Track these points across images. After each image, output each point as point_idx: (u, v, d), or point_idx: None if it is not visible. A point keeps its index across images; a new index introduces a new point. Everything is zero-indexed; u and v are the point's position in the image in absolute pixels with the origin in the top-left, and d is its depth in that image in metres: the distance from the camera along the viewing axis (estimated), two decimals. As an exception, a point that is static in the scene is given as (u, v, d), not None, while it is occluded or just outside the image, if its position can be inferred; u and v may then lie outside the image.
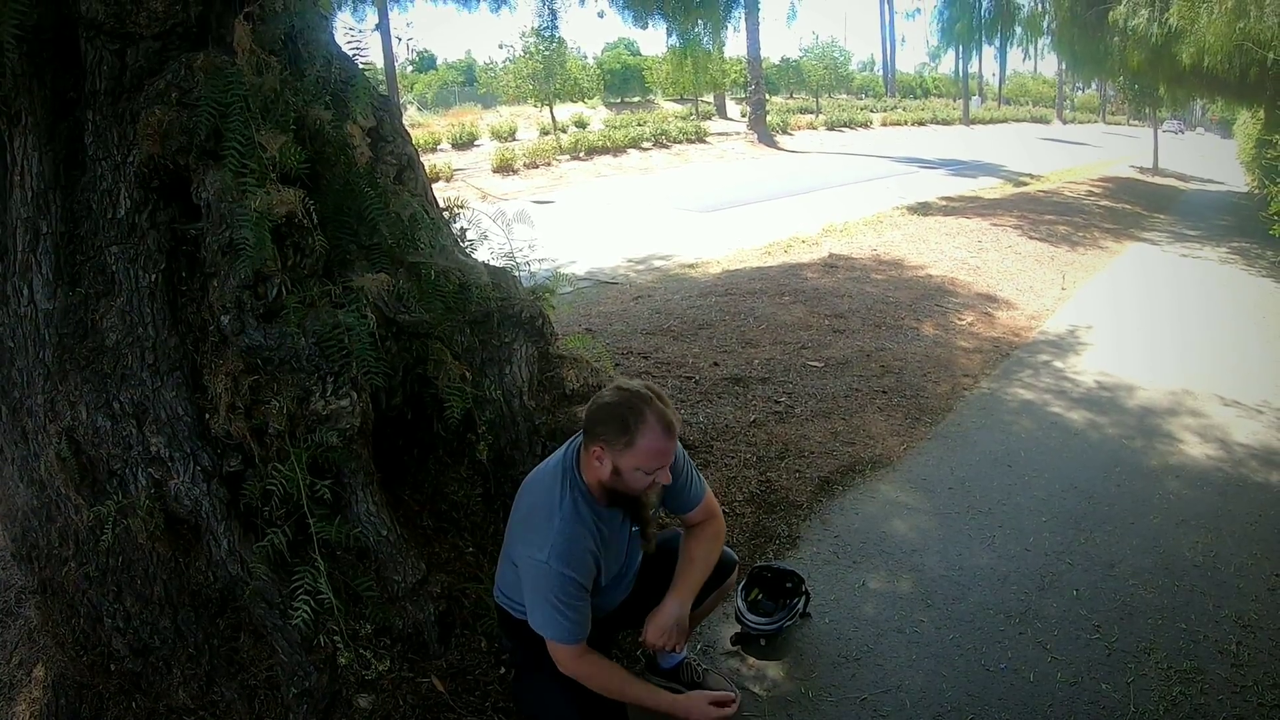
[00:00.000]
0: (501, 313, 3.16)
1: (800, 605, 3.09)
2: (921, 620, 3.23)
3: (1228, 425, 4.95)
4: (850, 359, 5.73)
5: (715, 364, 5.46)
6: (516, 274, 3.42)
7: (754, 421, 4.72)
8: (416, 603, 2.56)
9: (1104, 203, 13.07)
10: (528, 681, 2.33)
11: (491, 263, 3.41)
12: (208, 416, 2.48)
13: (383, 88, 3.33)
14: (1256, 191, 13.66)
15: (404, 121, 3.43)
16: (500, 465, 3.12)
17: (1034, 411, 5.10)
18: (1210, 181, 16.73)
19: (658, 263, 8.59)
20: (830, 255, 8.74)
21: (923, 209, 11.78)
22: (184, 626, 2.44)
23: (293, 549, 2.45)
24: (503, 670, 2.63)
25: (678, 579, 2.28)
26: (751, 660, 3.01)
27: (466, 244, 3.48)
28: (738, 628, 3.07)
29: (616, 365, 5.21)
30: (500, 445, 3.11)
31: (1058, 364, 5.89)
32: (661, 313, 6.53)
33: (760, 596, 3.16)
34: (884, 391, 5.27)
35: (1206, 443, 4.73)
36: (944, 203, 12.35)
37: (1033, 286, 7.92)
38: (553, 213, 10.47)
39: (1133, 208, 12.82)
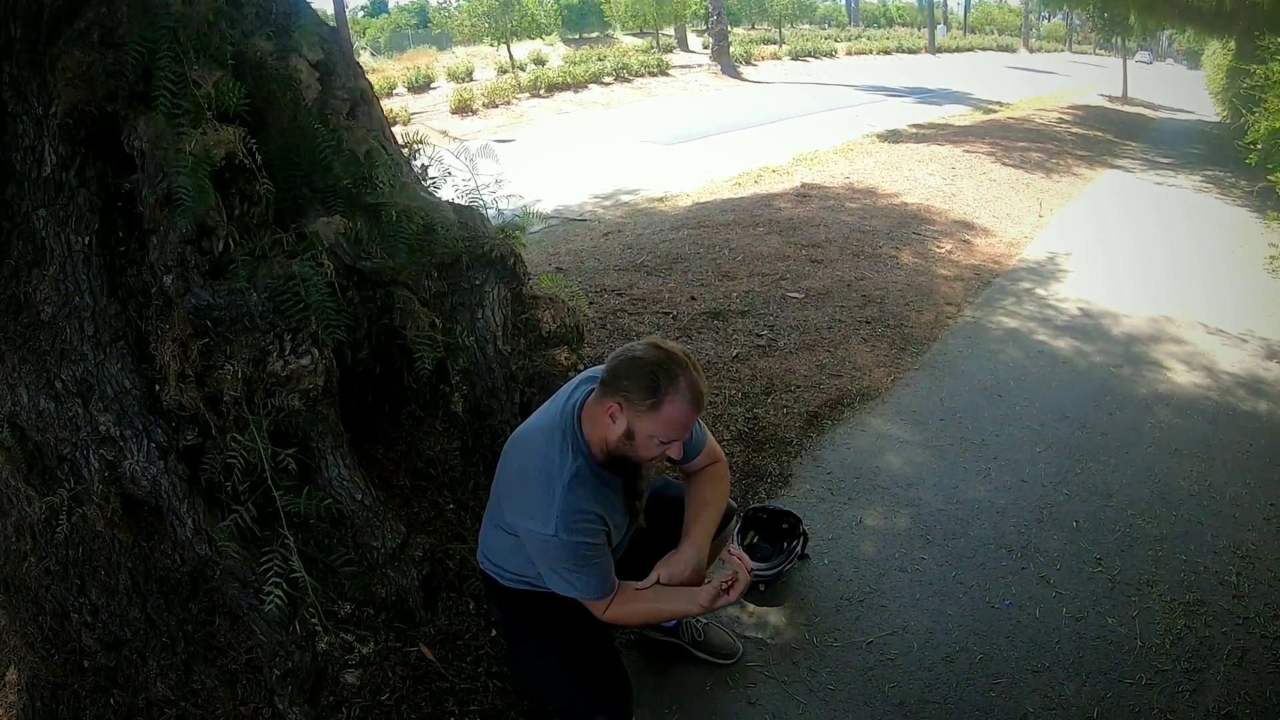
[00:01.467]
0: (470, 254, 2.92)
1: (799, 547, 2.95)
2: (922, 558, 3.11)
3: (1213, 353, 4.89)
4: (830, 289, 5.55)
5: (692, 298, 5.25)
6: (484, 212, 3.14)
7: (736, 356, 4.54)
8: (398, 568, 2.39)
9: (1076, 130, 12.92)
10: (521, 651, 2.15)
11: (456, 201, 3.13)
12: (158, 388, 2.24)
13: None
14: (1227, 122, 13.61)
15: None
16: (477, 416, 2.92)
17: (1020, 340, 4.99)
18: (1179, 111, 16.66)
19: (625, 198, 8.27)
20: (802, 185, 8.49)
21: (893, 137, 11.52)
22: (155, 615, 2.26)
23: (262, 523, 2.23)
24: (494, 633, 2.46)
25: (691, 524, 2.08)
26: (751, 608, 2.87)
27: (428, 182, 3.18)
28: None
29: (591, 303, 4.98)
30: (476, 395, 2.91)
31: (1040, 291, 5.78)
32: (633, 248, 6.27)
33: (757, 539, 3.01)
34: (867, 322, 5.12)
35: (1193, 371, 4.66)
36: (914, 130, 12.09)
37: (1010, 213, 7.78)
38: (515, 151, 10.04)
39: (1104, 135, 12.70)
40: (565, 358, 3.07)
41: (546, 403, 2.02)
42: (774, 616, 2.83)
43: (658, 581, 2.05)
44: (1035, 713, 2.55)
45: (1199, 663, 2.69)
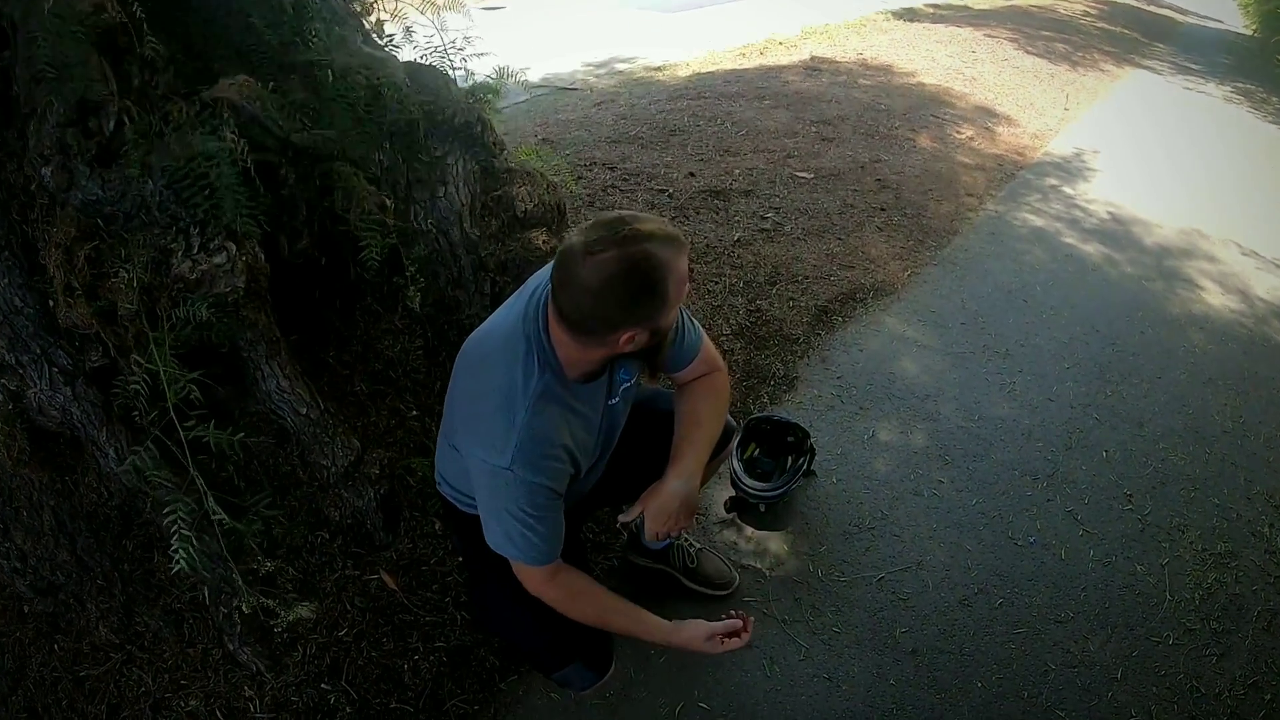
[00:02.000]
0: (429, 121, 2.38)
1: (804, 464, 2.54)
2: (940, 481, 2.75)
3: (1247, 276, 4.51)
4: (842, 171, 5.00)
5: (691, 174, 4.68)
6: (450, 73, 2.54)
7: (738, 241, 4.04)
8: (353, 488, 2.10)
9: (1100, 24, 12.01)
10: (483, 592, 1.78)
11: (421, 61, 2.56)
12: (52, 304, 1.82)
13: None
14: (1257, 35, 12.85)
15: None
16: (442, 310, 2.50)
17: (1046, 240, 4.55)
18: (1207, 18, 15.71)
19: (620, 66, 7.43)
20: (812, 58, 7.71)
21: (909, 15, 10.58)
22: (85, 556, 1.99)
23: (193, 446, 1.83)
24: (461, 558, 2.07)
25: (681, 447, 1.68)
26: (750, 531, 2.50)
27: (385, 40, 2.59)
28: (732, 491, 2.52)
29: (579, 179, 4.40)
30: (440, 286, 2.48)
31: (1067, 190, 5.29)
32: (627, 119, 5.60)
33: (758, 453, 2.61)
34: (882, 209, 4.61)
35: (1227, 293, 4.28)
36: (931, 10, 11.12)
37: (1034, 103, 7.16)
38: (503, 19, 8.97)
39: (1131, 33, 11.84)
40: (544, 241, 2.62)
41: (512, 296, 1.58)
42: (775, 544, 2.47)
43: (639, 518, 1.68)
44: (1056, 669, 2.27)
45: (1228, 624, 2.44)
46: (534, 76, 7.13)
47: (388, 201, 2.28)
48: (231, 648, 1.93)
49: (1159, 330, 3.83)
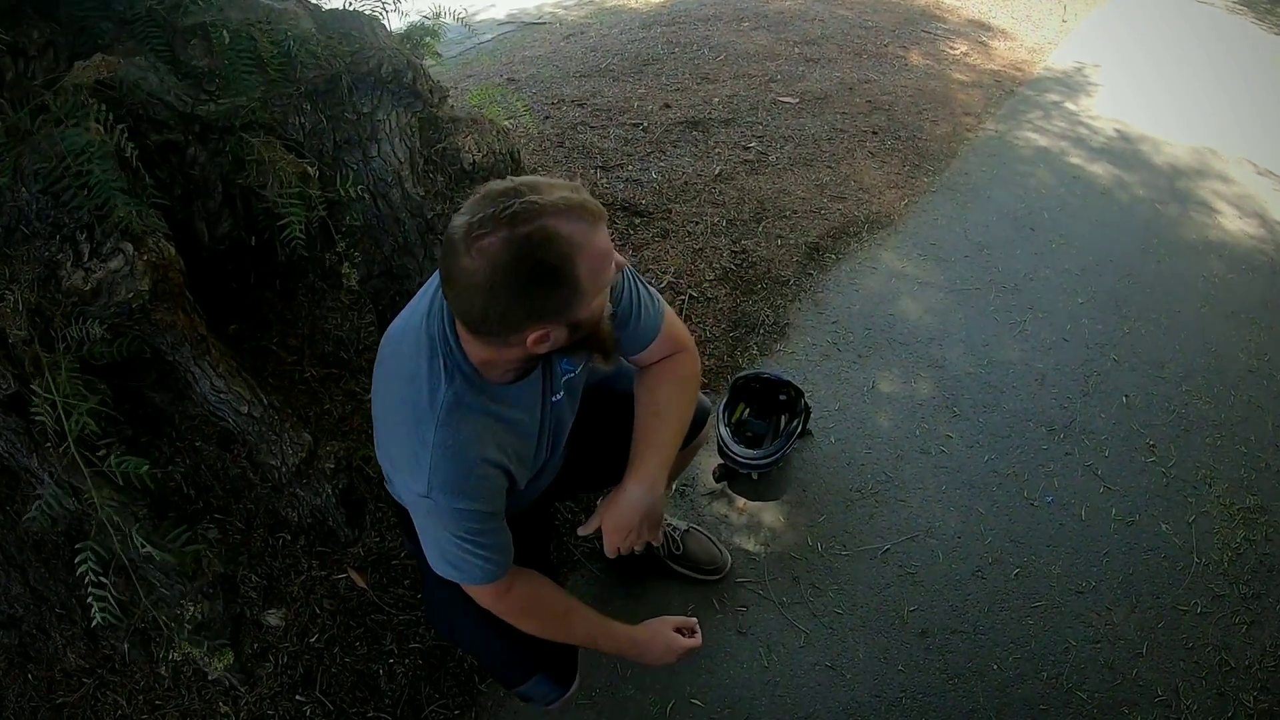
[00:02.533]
0: (352, 73, 2.09)
1: (798, 427, 2.26)
2: (949, 436, 2.50)
3: (1263, 199, 4.22)
4: (830, 93, 4.62)
5: (666, 106, 4.29)
6: (384, 16, 2.27)
7: (719, 175, 3.70)
8: (308, 486, 1.96)
9: (1092, -73, 11.45)
10: (438, 597, 1.51)
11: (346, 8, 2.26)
12: None
13: None
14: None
15: None
16: (391, 280, 2.27)
17: (1051, 161, 4.22)
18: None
19: None
20: (793, -29, 7.17)
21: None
22: (40, 586, 1.86)
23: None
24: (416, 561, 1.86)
25: (640, 449, 1.43)
26: (741, 503, 2.25)
27: None
28: (720, 459, 2.25)
29: (546, 118, 4.00)
30: (385, 254, 2.25)
31: (1069, 106, 4.94)
32: (598, 50, 5.15)
33: (747, 414, 2.33)
34: (874, 132, 4.26)
35: (1245, 217, 4.00)
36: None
37: (1030, 15, 6.72)
38: None
39: (1125, -63, 11.28)
40: None
41: (416, 299, 1.31)
42: (769, 516, 2.21)
43: (598, 531, 1.45)
44: (1078, 645, 2.07)
45: (1258, 587, 2.24)
46: (500, 13, 6.65)
47: (310, 169, 2.03)
48: (202, 664, 1.83)
49: (1175, 259, 3.55)
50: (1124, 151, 4.47)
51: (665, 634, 1.47)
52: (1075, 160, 4.29)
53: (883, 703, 1.89)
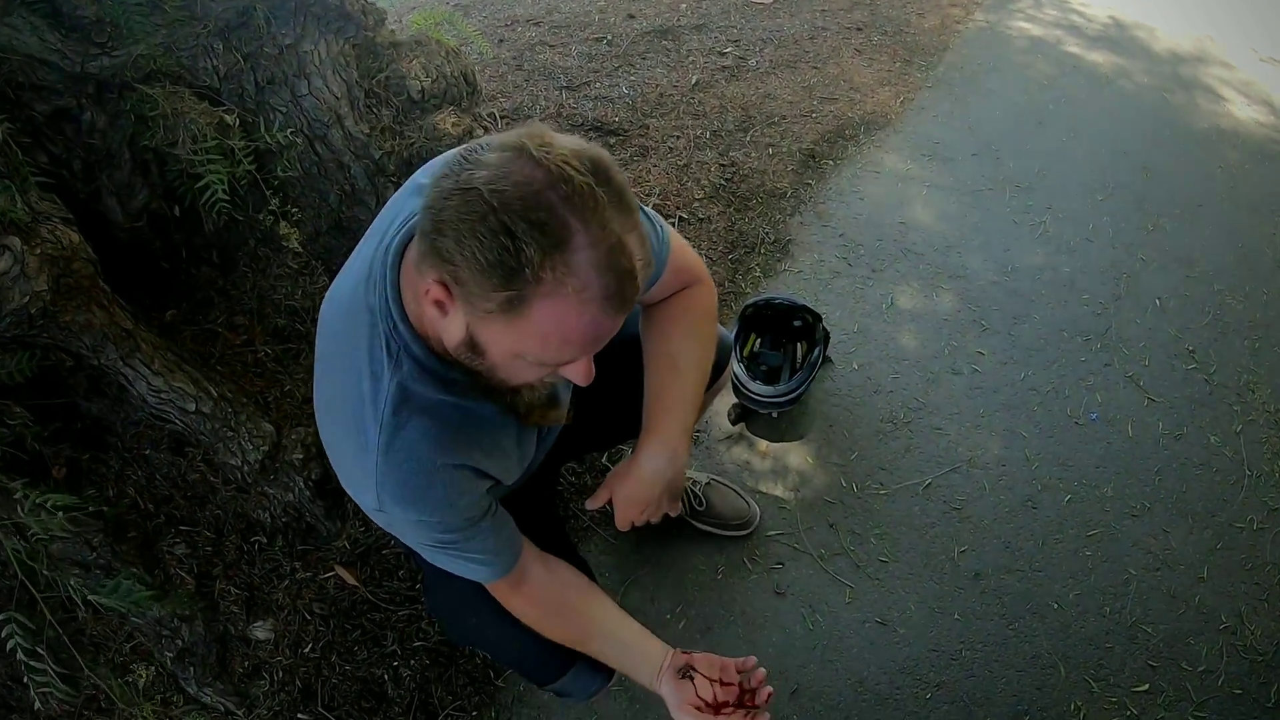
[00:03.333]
0: (268, 1, 1.74)
1: (819, 356, 2.00)
2: (980, 353, 2.26)
3: (1269, 85, 3.97)
4: (805, -14, 4.20)
5: (630, 16, 3.88)
6: None
7: (697, 85, 3.34)
8: (276, 481, 1.72)
9: None
10: (444, 601, 1.27)
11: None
12: None
13: None
14: None
15: None
16: (341, 235, 1.98)
17: (1049, 51, 3.92)
18: None
19: None
20: None
21: None
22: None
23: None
24: (410, 558, 1.69)
25: (656, 411, 1.18)
26: (763, 445, 1.99)
27: None
28: (734, 399, 1.98)
29: (500, 41, 3.57)
30: (331, 208, 1.95)
31: (1059, -8, 4.59)
32: None
33: (760, 346, 2.05)
34: (858, 28, 3.91)
35: (1253, 104, 3.76)
36: None
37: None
38: None
39: None
40: (453, 124, 2.04)
41: (373, 224, 1.03)
42: (795, 457, 1.97)
43: (609, 504, 1.22)
44: (1138, 575, 1.90)
45: (1310, 497, 2.07)
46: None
47: (229, 118, 1.73)
48: (192, 690, 1.63)
49: (1191, 150, 3.31)
50: (1121, 39, 4.18)
51: (674, 704, 1.15)
52: (1073, 49, 3.98)
53: (941, 657, 1.69)
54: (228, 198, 1.69)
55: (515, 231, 0.71)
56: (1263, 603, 1.90)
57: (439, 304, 0.80)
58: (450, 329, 0.82)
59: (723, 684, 1.12)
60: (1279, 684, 1.79)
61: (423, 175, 1.01)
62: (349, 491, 0.99)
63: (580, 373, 0.86)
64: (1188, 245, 2.78)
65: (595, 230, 0.73)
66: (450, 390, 0.93)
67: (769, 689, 1.12)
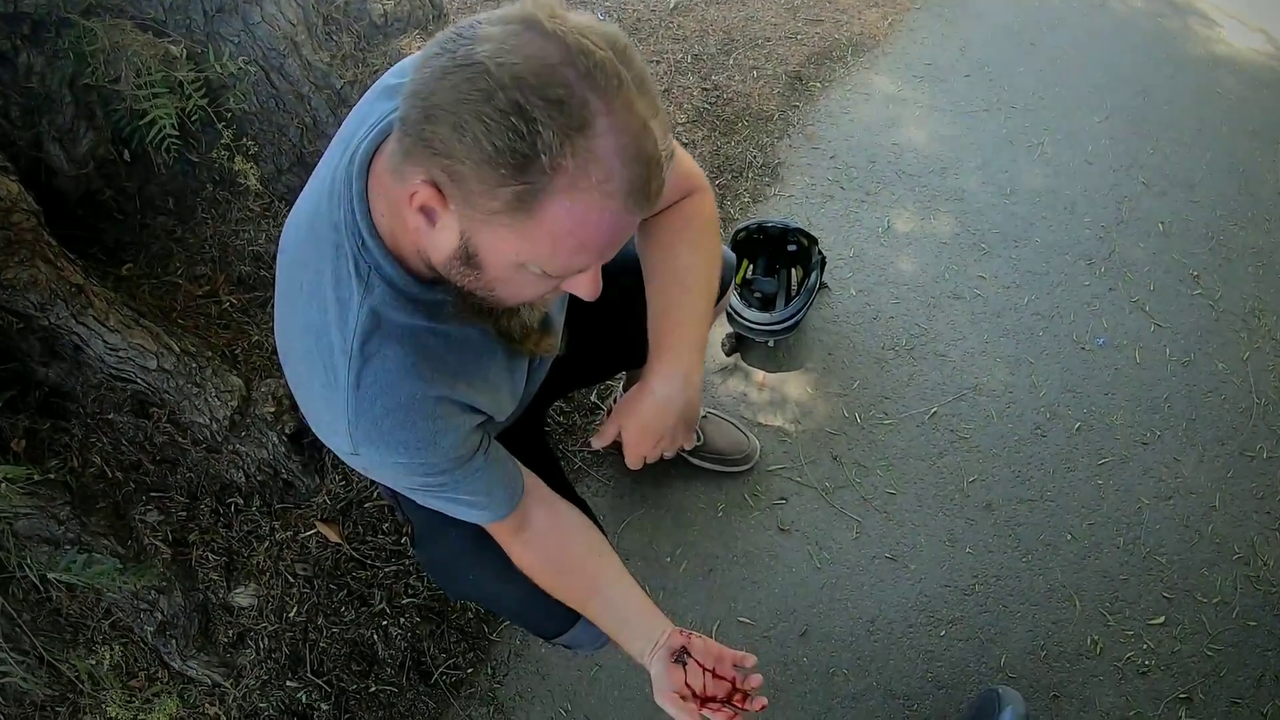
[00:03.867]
0: None
1: (816, 281, 1.86)
2: (980, 277, 2.14)
3: (1265, 13, 3.84)
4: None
5: None
6: None
7: (675, 8, 3.14)
8: (249, 438, 1.62)
9: None
10: (436, 556, 1.17)
11: None
12: None
13: None
14: None
15: None
16: (304, 172, 1.83)
17: (1037, -28, 3.74)
18: None
19: None
20: None
21: None
22: None
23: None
24: (395, 510, 1.60)
25: (664, 332, 1.04)
26: (760, 376, 1.86)
27: None
28: (729, 328, 1.84)
29: None
30: (292, 143, 1.84)
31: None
32: None
33: (754, 272, 1.91)
34: (840, -54, 3.67)
35: (1250, 32, 3.63)
36: None
37: None
38: None
39: None
40: (418, 49, 1.78)
41: (335, 137, 0.89)
42: (794, 387, 1.84)
43: (617, 440, 1.08)
44: (1150, 504, 1.81)
45: (1319, 425, 2.01)
46: None
47: (175, 49, 1.60)
48: (176, 665, 1.56)
49: (1188, 74, 3.18)
50: (1110, -40, 4.02)
51: (659, 687, 1.02)
52: (1063, -29, 3.82)
53: (954, 592, 1.59)
54: (177, 133, 1.58)
55: (529, 110, 0.59)
56: (1275, 533, 1.85)
57: (426, 210, 0.67)
58: (441, 240, 0.70)
59: (715, 676, 1.00)
60: (1293, 615, 1.73)
61: (392, 76, 0.87)
62: (320, 436, 0.88)
63: (587, 286, 0.75)
64: (1189, 170, 2.68)
65: (621, 112, 0.62)
66: (429, 314, 0.81)
67: (763, 700, 1.00)
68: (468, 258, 0.69)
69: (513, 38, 0.60)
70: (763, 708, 0.99)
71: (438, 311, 0.81)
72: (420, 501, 0.95)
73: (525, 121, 0.59)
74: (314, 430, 0.89)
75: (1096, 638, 1.63)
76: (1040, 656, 1.59)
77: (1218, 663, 1.67)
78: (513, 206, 0.63)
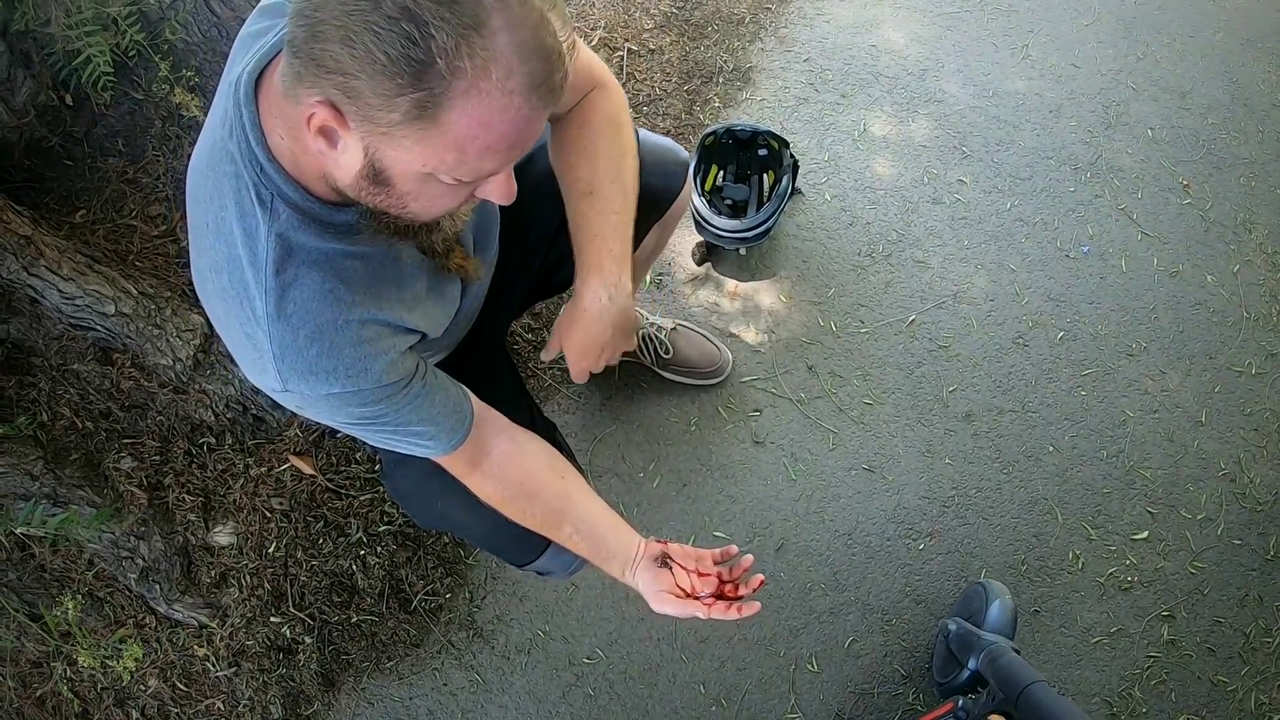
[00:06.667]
0: None
1: (789, 184, 1.72)
2: (961, 181, 2.03)
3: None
4: None
5: None
6: None
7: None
8: (214, 375, 1.59)
9: None
10: (403, 484, 1.14)
11: None
12: None
13: None
14: None
15: None
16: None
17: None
18: None
19: None
20: None
21: None
22: None
23: None
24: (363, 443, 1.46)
25: (582, 245, 1.03)
26: (732, 285, 1.75)
27: None
28: (699, 236, 1.71)
29: None
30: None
31: None
32: None
33: (724, 179, 1.77)
34: None
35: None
36: None
37: None
38: None
39: None
40: None
41: (225, 70, 0.84)
42: (766, 296, 1.72)
43: (570, 369, 1.09)
44: (1135, 416, 1.73)
45: (1308, 343, 1.95)
46: None
47: None
48: (162, 610, 1.58)
49: (1177, -23, 3.03)
50: None
51: (648, 588, 1.00)
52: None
53: (933, 504, 1.51)
54: (111, 70, 1.51)
55: (419, 14, 0.56)
56: (1262, 450, 1.79)
57: (326, 132, 0.64)
58: (345, 160, 0.66)
59: (700, 574, 0.98)
60: (1278, 535, 1.67)
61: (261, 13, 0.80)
62: (249, 377, 0.83)
63: (501, 189, 0.73)
64: (1180, 76, 2.55)
65: (514, 6, 0.59)
66: (341, 236, 0.78)
67: (760, 576, 0.99)
68: (375, 175, 0.67)
69: None
70: (762, 583, 0.98)
71: (350, 233, 0.77)
72: (365, 439, 0.93)
73: (417, 26, 0.56)
74: (244, 372, 0.83)
75: (1078, 552, 1.56)
76: (1020, 571, 1.52)
77: (1201, 580, 1.61)
78: (413, 116, 0.60)
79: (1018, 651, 1.31)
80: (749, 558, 1.00)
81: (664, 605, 0.97)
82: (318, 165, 0.70)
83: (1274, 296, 2.03)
